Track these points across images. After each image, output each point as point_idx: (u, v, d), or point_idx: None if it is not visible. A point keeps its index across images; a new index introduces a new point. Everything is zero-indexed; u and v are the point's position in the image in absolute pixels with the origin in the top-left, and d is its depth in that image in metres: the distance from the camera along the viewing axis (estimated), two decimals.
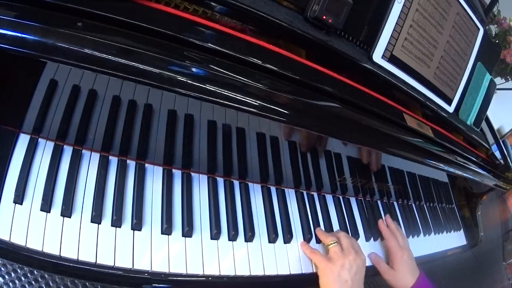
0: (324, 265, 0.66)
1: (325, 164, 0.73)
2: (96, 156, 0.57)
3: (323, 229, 0.75)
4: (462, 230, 1.19)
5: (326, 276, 0.65)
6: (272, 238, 0.66)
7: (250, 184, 0.70)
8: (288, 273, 0.64)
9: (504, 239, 2.09)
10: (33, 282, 0.61)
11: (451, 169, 0.79)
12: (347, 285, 0.64)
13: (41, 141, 0.54)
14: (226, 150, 0.63)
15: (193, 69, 0.45)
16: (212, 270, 0.57)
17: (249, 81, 0.49)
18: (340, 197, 0.83)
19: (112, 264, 0.50)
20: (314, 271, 0.67)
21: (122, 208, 0.55)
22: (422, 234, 0.98)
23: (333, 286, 0.64)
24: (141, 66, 0.42)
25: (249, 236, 0.63)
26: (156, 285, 0.54)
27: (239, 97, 0.48)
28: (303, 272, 0.66)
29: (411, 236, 0.94)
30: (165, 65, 0.43)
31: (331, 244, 0.69)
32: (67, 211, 0.51)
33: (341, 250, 0.68)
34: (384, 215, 0.88)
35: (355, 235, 0.78)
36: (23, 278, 0.61)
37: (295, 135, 0.66)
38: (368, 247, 0.80)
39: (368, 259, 0.78)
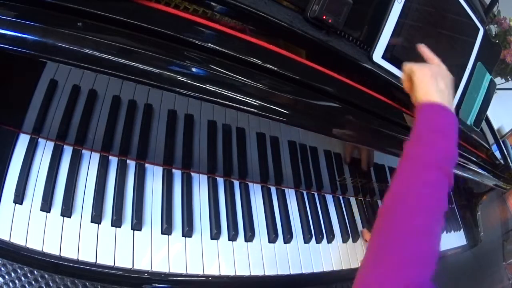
0: (420, 68, 0.59)
1: (325, 164, 0.73)
2: (96, 156, 0.57)
3: (323, 229, 0.75)
4: (462, 230, 1.19)
5: (425, 82, 0.57)
6: (272, 238, 0.66)
7: (250, 184, 0.70)
8: (288, 273, 0.64)
9: (504, 239, 2.09)
10: (33, 282, 0.61)
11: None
12: (444, 96, 0.56)
13: (41, 141, 0.54)
14: (226, 150, 0.63)
15: (193, 69, 0.45)
16: (212, 270, 0.57)
17: (249, 81, 0.49)
18: (340, 197, 0.83)
19: (112, 264, 0.50)
20: (314, 270, 0.67)
21: (122, 208, 0.55)
22: None
23: (433, 96, 0.55)
24: (141, 66, 0.42)
25: (249, 236, 0.63)
26: (156, 285, 0.54)
27: (239, 97, 0.48)
28: (303, 272, 0.66)
29: None
30: (165, 65, 0.43)
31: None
32: (67, 211, 0.51)
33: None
34: None
35: (355, 235, 0.78)
36: (23, 278, 0.61)
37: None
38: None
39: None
